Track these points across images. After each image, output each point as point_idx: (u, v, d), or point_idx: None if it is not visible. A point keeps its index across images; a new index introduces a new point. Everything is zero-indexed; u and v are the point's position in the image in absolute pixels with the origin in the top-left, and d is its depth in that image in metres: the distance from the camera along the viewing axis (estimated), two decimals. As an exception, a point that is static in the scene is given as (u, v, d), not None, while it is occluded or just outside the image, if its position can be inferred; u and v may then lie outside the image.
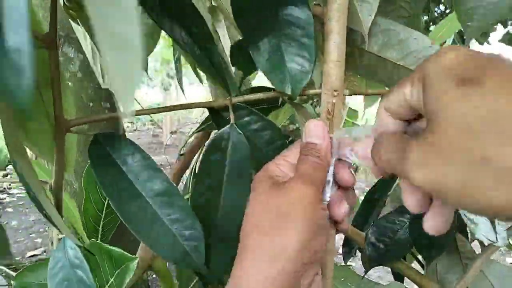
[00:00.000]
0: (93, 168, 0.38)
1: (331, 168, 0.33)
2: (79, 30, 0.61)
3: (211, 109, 0.42)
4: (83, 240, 0.66)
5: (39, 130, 0.40)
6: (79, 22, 0.55)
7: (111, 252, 0.52)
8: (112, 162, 0.39)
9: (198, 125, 0.63)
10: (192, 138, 0.83)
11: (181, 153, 0.86)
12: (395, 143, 0.24)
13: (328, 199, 0.33)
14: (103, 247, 0.52)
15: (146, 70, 0.70)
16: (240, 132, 0.39)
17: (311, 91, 0.38)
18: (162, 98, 6.99)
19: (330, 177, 0.33)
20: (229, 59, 0.52)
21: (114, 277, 0.51)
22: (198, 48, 0.37)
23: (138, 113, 0.41)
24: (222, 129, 0.39)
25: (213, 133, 0.46)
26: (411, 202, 0.26)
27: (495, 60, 0.20)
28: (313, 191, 0.29)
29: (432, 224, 0.26)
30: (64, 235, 0.44)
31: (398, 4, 0.50)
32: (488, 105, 0.19)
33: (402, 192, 0.27)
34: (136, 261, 0.50)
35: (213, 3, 0.65)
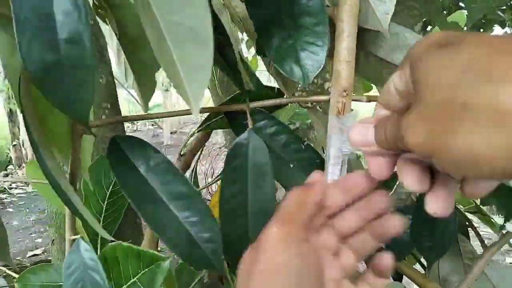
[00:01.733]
0: (113, 169, 0.38)
1: (338, 168, 0.33)
2: (106, 30, 0.61)
3: (227, 113, 0.43)
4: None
5: (59, 131, 0.40)
6: (107, 22, 0.55)
7: (137, 252, 0.51)
8: (131, 164, 0.39)
9: (198, 125, 0.63)
10: (193, 138, 0.83)
11: (181, 153, 0.86)
12: (394, 120, 0.24)
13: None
14: (125, 247, 0.51)
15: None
16: (259, 137, 0.39)
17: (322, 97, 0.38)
18: (162, 98, 6.99)
19: (336, 176, 0.33)
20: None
21: (139, 275, 0.50)
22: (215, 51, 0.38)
23: (143, 117, 0.42)
24: (241, 135, 0.40)
25: (224, 138, 0.46)
26: (411, 179, 0.25)
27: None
28: (277, 232, 0.27)
29: (434, 206, 0.25)
30: (78, 236, 0.45)
31: (408, 4, 0.50)
32: (464, 55, 0.19)
33: (401, 173, 0.26)
34: (169, 260, 0.49)
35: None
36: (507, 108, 0.17)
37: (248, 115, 0.40)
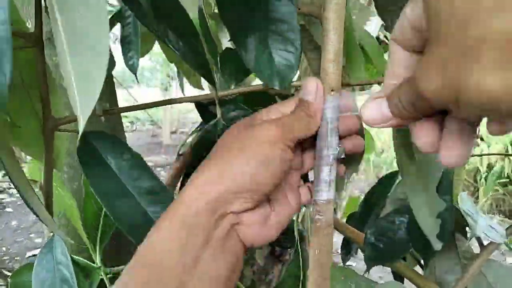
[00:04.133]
0: (83, 166, 0.38)
1: (328, 168, 0.33)
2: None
3: (198, 104, 0.43)
4: (82, 240, 0.65)
5: (28, 130, 0.40)
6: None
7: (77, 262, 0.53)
8: (101, 160, 0.39)
9: (197, 124, 0.63)
10: (191, 137, 0.83)
11: (180, 152, 0.86)
12: (406, 83, 0.24)
13: (325, 197, 0.33)
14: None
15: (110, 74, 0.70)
16: (227, 125, 0.40)
17: (296, 83, 0.39)
18: (162, 98, 6.98)
19: (327, 177, 0.33)
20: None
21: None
22: (182, 44, 0.38)
23: (129, 108, 0.42)
24: (208, 124, 0.40)
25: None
26: (425, 139, 0.25)
27: None
28: (277, 132, 0.31)
29: (447, 159, 0.24)
30: (52, 234, 0.45)
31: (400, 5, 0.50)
32: None
33: (414, 134, 0.26)
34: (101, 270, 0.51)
35: (215, 11, 0.65)
36: None
37: (217, 104, 0.40)
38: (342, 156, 0.33)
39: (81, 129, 0.18)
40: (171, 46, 0.37)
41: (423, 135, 0.26)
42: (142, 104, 0.42)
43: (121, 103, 1.08)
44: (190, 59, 0.38)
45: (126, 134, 1.27)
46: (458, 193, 0.58)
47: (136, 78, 0.76)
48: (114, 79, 1.17)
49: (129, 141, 1.33)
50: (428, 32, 0.21)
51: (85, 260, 0.61)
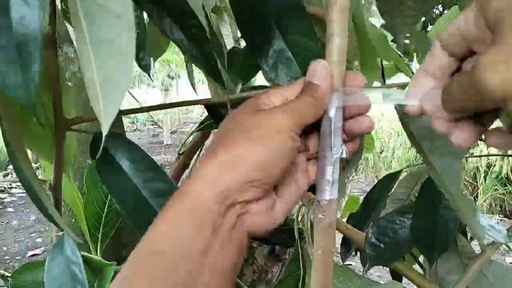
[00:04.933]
0: (96, 167, 0.38)
1: (331, 168, 0.33)
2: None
3: (209, 107, 0.43)
4: (85, 238, 0.66)
5: (37, 131, 0.40)
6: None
7: (88, 259, 0.53)
8: (113, 161, 0.39)
9: (197, 124, 0.63)
10: (192, 137, 0.84)
11: (180, 152, 0.86)
12: (463, 76, 0.24)
13: (327, 197, 0.33)
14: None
15: (148, 73, 0.71)
16: None
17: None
18: (162, 98, 6.99)
19: (330, 177, 0.33)
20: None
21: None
22: (194, 47, 0.38)
23: (136, 111, 0.42)
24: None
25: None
26: (462, 138, 0.27)
27: None
28: (287, 120, 0.30)
29: (459, 138, 0.27)
30: (63, 233, 0.45)
31: (403, 4, 0.50)
32: None
33: (453, 135, 0.28)
34: (114, 267, 0.52)
35: (218, 3, 0.65)
36: None
37: (229, 106, 0.40)
38: (345, 156, 0.33)
39: (104, 132, 0.18)
40: (182, 49, 0.37)
41: (460, 135, 0.28)
42: (154, 106, 0.42)
43: (121, 103, 1.08)
44: (201, 62, 0.39)
45: (126, 134, 1.27)
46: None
47: (150, 78, 0.76)
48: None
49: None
50: (494, 33, 0.22)
51: (97, 257, 0.61)
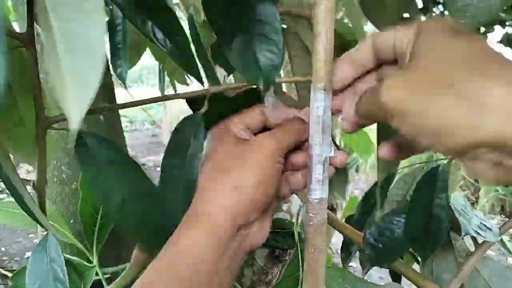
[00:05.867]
0: (81, 167, 0.38)
1: (321, 167, 0.33)
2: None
3: (190, 101, 0.43)
4: (73, 247, 0.65)
5: (18, 131, 0.40)
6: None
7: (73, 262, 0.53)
8: (96, 161, 0.39)
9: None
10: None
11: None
12: (374, 87, 0.29)
13: (318, 196, 0.33)
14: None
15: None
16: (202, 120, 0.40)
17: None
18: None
19: (320, 175, 0.33)
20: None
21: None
22: (169, 42, 0.39)
23: (126, 105, 0.42)
24: (190, 115, 0.41)
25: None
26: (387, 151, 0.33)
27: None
28: (274, 145, 0.34)
29: (383, 152, 0.33)
30: (47, 232, 0.45)
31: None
32: (468, 50, 0.24)
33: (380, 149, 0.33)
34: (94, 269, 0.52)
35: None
36: (487, 101, 0.22)
37: (206, 100, 0.41)
38: (333, 154, 0.34)
39: (73, 129, 0.17)
40: (158, 45, 0.38)
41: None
42: (137, 101, 0.42)
43: (120, 102, 1.08)
44: (178, 58, 0.39)
45: (125, 134, 1.27)
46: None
47: (125, 86, 0.76)
48: (113, 79, 1.17)
49: (128, 141, 1.33)
50: (410, 59, 0.27)
51: (78, 259, 0.61)
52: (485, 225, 0.51)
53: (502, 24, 2.22)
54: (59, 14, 0.18)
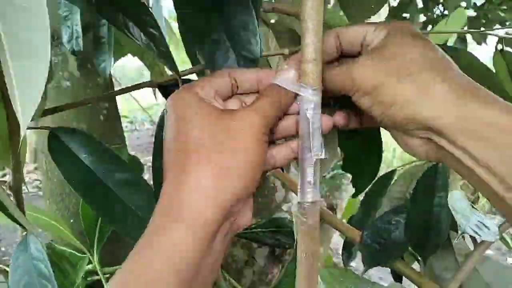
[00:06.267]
0: (56, 163, 0.38)
1: (312, 170, 0.33)
2: None
3: (161, 88, 0.43)
4: (73, 246, 0.65)
5: None
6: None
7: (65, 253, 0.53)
8: (72, 155, 0.39)
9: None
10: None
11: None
12: (344, 64, 0.33)
13: (310, 199, 0.33)
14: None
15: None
16: None
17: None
18: (161, 98, 6.96)
19: (311, 178, 0.33)
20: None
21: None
22: (144, 36, 0.38)
23: (120, 92, 0.42)
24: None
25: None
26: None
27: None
28: (259, 120, 0.30)
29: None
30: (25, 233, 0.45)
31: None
32: (425, 50, 0.31)
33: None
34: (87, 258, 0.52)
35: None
36: (431, 92, 0.29)
37: (180, 84, 0.40)
38: (324, 157, 0.33)
39: (22, 133, 0.18)
40: (134, 39, 0.37)
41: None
42: (120, 90, 0.42)
43: (120, 102, 1.08)
44: (154, 50, 0.38)
45: (125, 133, 1.26)
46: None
47: (112, 80, 0.76)
48: (113, 78, 1.16)
49: (128, 141, 1.33)
50: (379, 49, 0.32)
51: (69, 250, 0.61)
52: (483, 224, 0.51)
53: (502, 24, 2.22)
54: (4, 15, 0.18)
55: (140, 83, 0.43)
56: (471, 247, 0.58)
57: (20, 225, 0.40)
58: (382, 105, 0.30)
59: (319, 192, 0.33)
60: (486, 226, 0.51)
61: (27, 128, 0.39)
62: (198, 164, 0.28)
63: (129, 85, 0.44)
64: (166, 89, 0.43)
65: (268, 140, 0.31)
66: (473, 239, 0.56)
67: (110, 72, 1.14)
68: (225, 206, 0.28)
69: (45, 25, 0.18)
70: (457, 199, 0.53)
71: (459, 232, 0.51)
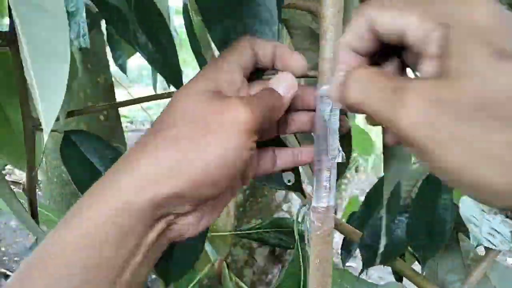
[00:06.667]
0: (66, 166, 0.38)
1: (328, 174, 0.32)
2: None
3: None
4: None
5: (5, 135, 0.40)
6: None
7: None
8: (84, 159, 0.38)
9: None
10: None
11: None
12: (378, 78, 0.22)
13: (325, 204, 0.32)
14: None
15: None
16: None
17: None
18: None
19: (327, 182, 0.32)
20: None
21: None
22: (153, 47, 0.35)
23: (125, 103, 0.42)
24: None
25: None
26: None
27: None
28: (253, 120, 0.25)
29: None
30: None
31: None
32: None
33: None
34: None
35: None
36: None
37: None
38: (342, 160, 0.31)
39: (46, 136, 0.17)
40: (135, 47, 0.34)
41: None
42: (136, 99, 0.42)
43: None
44: (160, 65, 0.36)
45: (125, 133, 1.26)
46: (459, 192, 0.57)
47: (125, 74, 0.76)
48: (113, 78, 1.16)
49: (128, 141, 1.33)
50: (441, 83, 0.19)
51: None
52: (495, 230, 0.50)
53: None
54: (25, 17, 0.18)
55: (163, 93, 0.42)
56: (474, 248, 0.58)
57: (32, 231, 0.39)
58: (439, 171, 0.20)
59: (334, 197, 0.32)
60: (498, 232, 0.50)
61: (42, 131, 0.38)
62: (149, 145, 0.24)
63: (162, 93, 0.42)
64: None
65: (254, 148, 0.26)
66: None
67: (110, 72, 1.14)
68: (157, 199, 0.23)
69: (64, 25, 0.18)
70: (468, 206, 0.51)
71: (474, 243, 0.50)
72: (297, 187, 0.37)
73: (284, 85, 0.28)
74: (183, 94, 0.26)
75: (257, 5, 0.32)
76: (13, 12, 0.18)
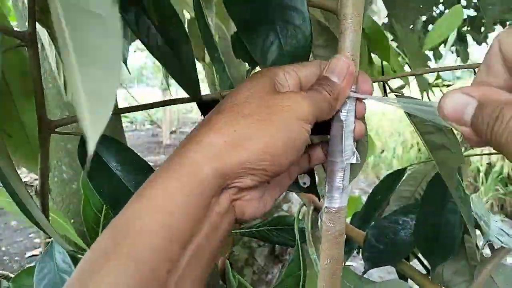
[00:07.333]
0: (82, 167, 0.37)
1: (342, 174, 0.31)
2: (45, 35, 0.58)
3: (201, 105, 0.42)
4: (78, 246, 0.65)
5: (16, 133, 0.39)
6: (48, 27, 0.53)
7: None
8: (102, 163, 0.38)
9: (197, 124, 0.62)
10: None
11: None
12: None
13: (337, 205, 0.32)
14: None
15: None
16: None
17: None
18: (162, 97, 6.98)
19: (340, 183, 0.32)
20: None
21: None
22: (163, 39, 0.35)
23: (132, 109, 0.41)
24: None
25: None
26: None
27: None
28: (308, 109, 0.28)
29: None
30: (51, 240, 0.44)
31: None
32: None
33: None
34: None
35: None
36: None
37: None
38: (356, 161, 0.31)
39: (91, 148, 0.16)
40: (144, 43, 0.34)
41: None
42: (149, 104, 0.41)
43: (121, 102, 1.07)
44: (174, 67, 0.35)
45: (125, 133, 1.26)
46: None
47: (128, 69, 0.74)
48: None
49: (128, 141, 1.33)
50: None
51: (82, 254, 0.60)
52: (503, 230, 0.49)
53: (503, 24, 2.22)
54: (73, 21, 0.17)
55: (179, 98, 0.41)
56: (478, 249, 0.57)
57: (45, 232, 0.38)
58: None
59: (347, 198, 0.32)
60: (506, 233, 0.49)
61: (58, 133, 0.38)
62: (218, 123, 0.27)
63: (172, 98, 0.42)
64: (208, 106, 0.41)
65: (309, 134, 0.28)
66: (490, 245, 0.55)
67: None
68: (223, 169, 0.25)
69: (118, 31, 0.17)
70: (477, 202, 0.51)
71: (484, 240, 0.50)
72: (313, 189, 0.37)
73: (338, 71, 0.30)
74: (250, 85, 0.29)
75: (289, 9, 0.34)
76: (60, 17, 0.17)
